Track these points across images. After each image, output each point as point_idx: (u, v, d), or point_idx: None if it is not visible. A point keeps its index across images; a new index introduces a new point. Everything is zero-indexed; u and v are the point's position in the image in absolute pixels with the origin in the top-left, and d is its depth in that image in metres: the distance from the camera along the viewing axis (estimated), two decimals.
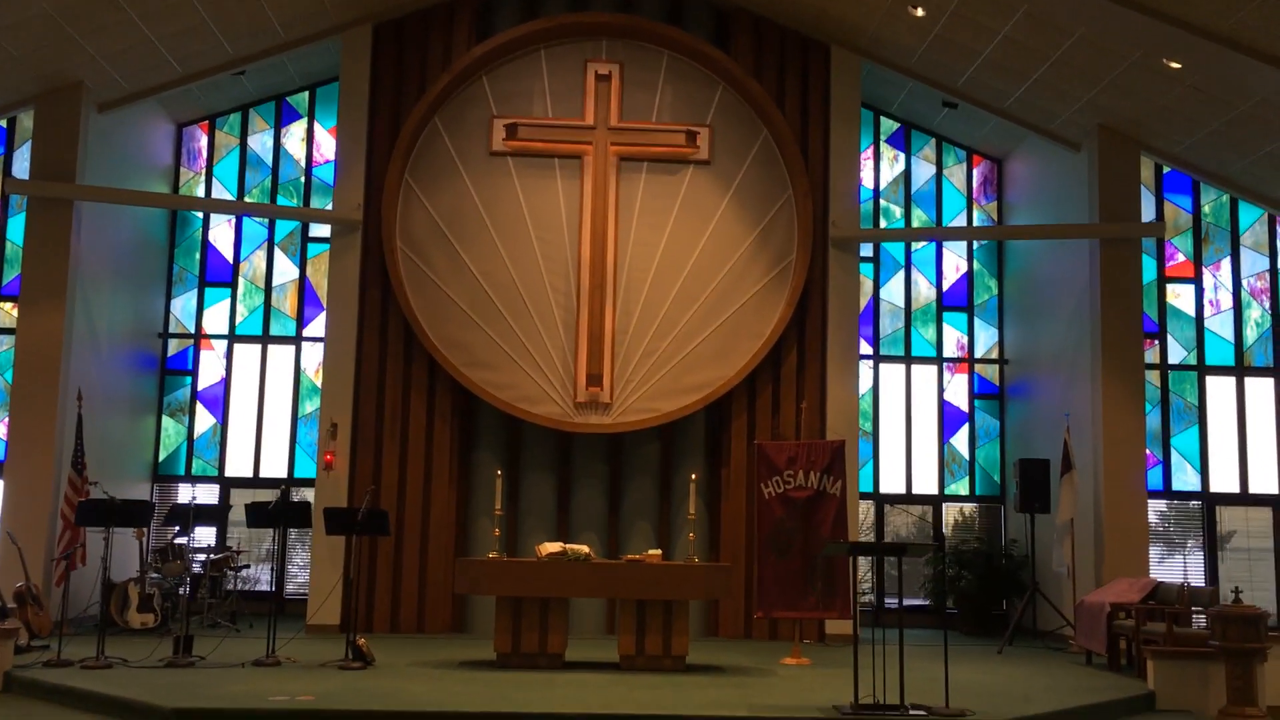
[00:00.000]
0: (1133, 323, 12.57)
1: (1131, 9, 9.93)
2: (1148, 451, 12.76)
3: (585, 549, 10.08)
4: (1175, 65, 10.91)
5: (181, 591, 11.79)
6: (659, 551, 10.21)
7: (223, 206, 14.44)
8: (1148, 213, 13.29)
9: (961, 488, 14.85)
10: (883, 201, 15.18)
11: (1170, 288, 13.75)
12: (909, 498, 14.75)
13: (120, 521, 9.36)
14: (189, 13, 11.71)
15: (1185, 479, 13.57)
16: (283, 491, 10.02)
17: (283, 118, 14.97)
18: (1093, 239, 12.76)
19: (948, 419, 14.94)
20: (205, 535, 13.82)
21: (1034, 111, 13.03)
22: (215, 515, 11.91)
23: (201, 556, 12.51)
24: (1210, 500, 13.52)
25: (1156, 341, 13.58)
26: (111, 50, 11.86)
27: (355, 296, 12.92)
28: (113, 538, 11.67)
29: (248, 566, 13.11)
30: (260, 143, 14.97)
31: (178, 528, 12.33)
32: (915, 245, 15.12)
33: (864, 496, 14.06)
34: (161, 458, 14.43)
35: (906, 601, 14.27)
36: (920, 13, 11.92)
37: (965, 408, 14.97)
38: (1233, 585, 8.74)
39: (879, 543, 12.62)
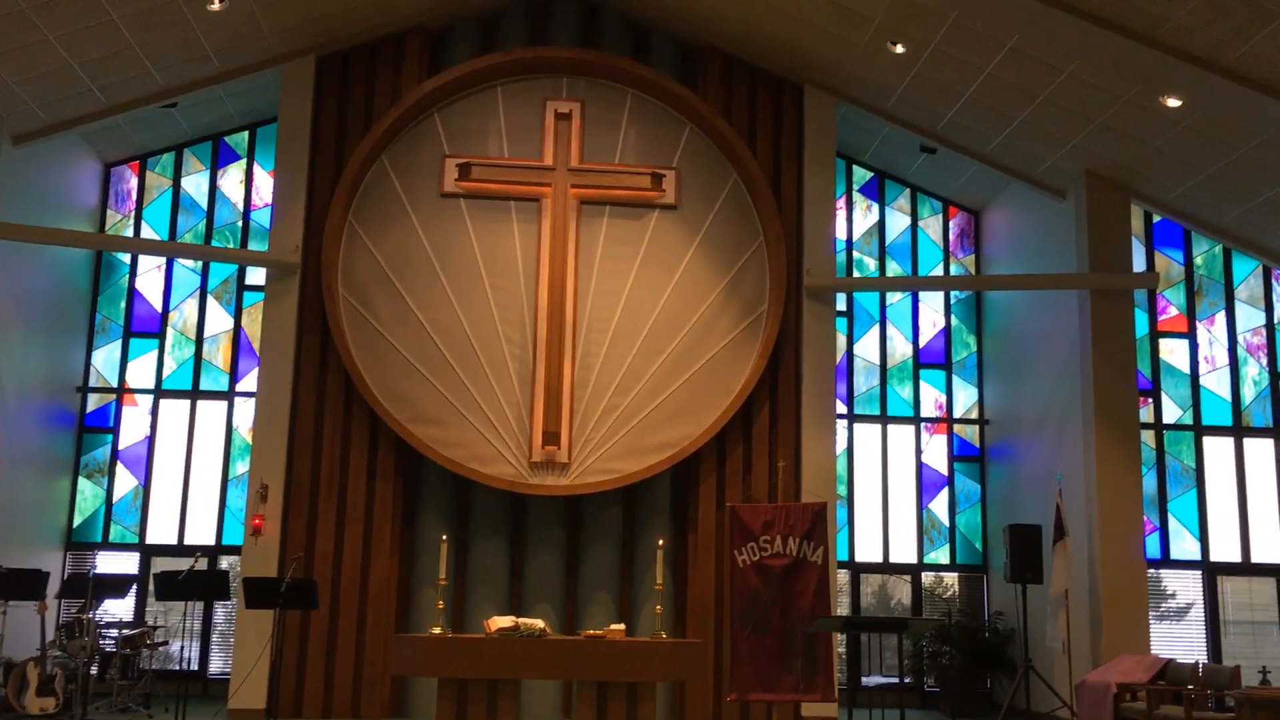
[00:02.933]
0: (1127, 379, 11.82)
1: (1131, 40, 9.25)
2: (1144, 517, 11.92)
3: (540, 624, 9.00)
4: (1173, 103, 10.28)
5: (90, 672, 10.56)
6: (622, 626, 9.15)
7: (147, 246, 13.41)
8: (1137, 264, 12.60)
9: (941, 556, 13.95)
10: (856, 254, 14.45)
11: (1163, 343, 13.04)
12: (886, 566, 13.82)
13: (7, 593, 8.15)
14: (111, 36, 10.77)
15: (1184, 547, 12.74)
16: (195, 559, 8.82)
17: (219, 158, 14.04)
18: (1082, 290, 12.05)
19: (926, 482, 14.10)
20: (124, 609, 12.64)
21: (1018, 156, 12.37)
22: (118, 586, 10.68)
23: (116, 633, 11.31)
24: (1211, 569, 12.69)
25: (1149, 400, 12.83)
26: (26, 75, 10.87)
27: (291, 345, 11.90)
28: (10, 612, 10.63)
29: (165, 643, 11.86)
30: (195, 185, 14.01)
31: (94, 600, 11.08)
32: (890, 300, 14.37)
33: (840, 565, 13.11)
34: (76, 523, 13.21)
35: (880, 679, 13.28)
36: (900, 49, 11.26)
37: (944, 470, 14.14)
38: (1234, 662, 7.97)
39: (880, 618, 11.53)
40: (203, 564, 10.87)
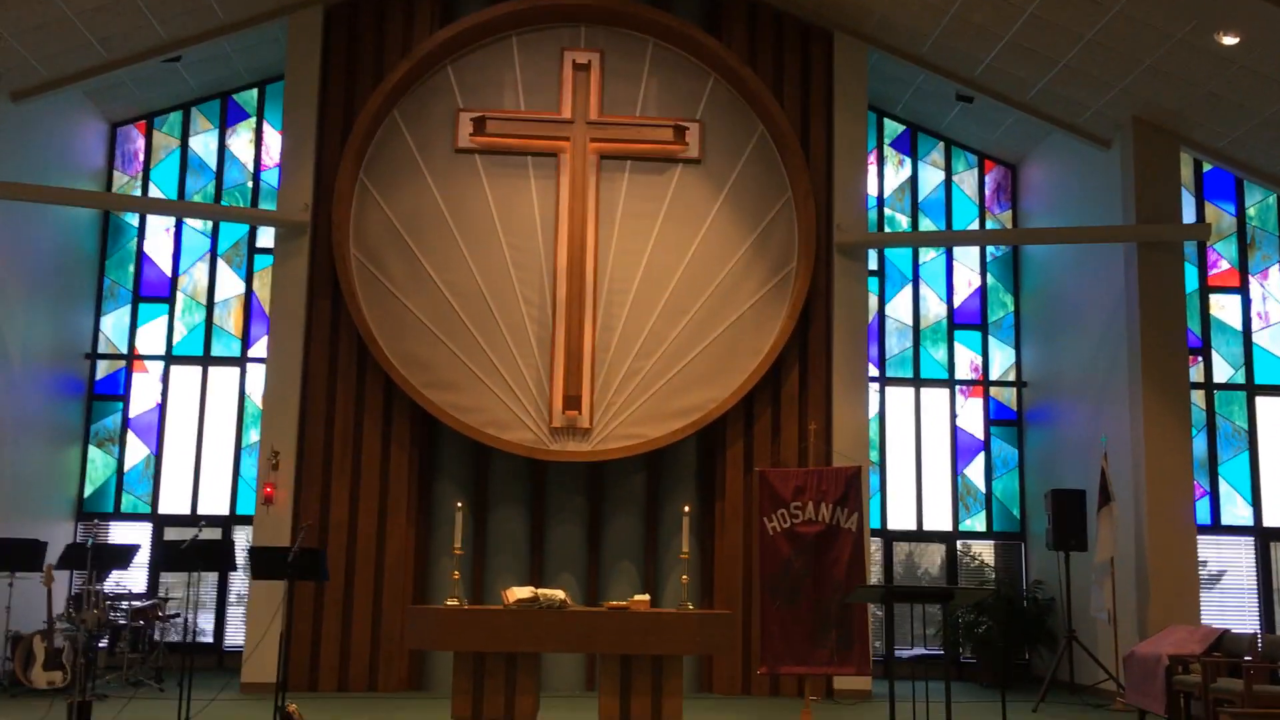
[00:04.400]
0: (1176, 337, 11.22)
1: None
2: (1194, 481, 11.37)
3: (560, 594, 8.56)
4: (1229, 41, 9.65)
5: (99, 645, 10.25)
6: (646, 597, 8.68)
7: (151, 206, 12.97)
8: (1187, 216, 11.97)
9: (978, 523, 13.45)
10: (887, 210, 13.89)
11: (1214, 298, 12.41)
12: (920, 534, 13.33)
13: (3, 564, 7.79)
14: None
15: (1235, 512, 12.17)
16: (200, 528, 8.43)
17: (228, 117, 13.62)
18: (1128, 245, 11.44)
19: (961, 448, 13.59)
20: (137, 580, 12.33)
21: (1060, 104, 11.74)
22: (120, 557, 10.31)
23: (126, 605, 10.99)
24: (1265, 535, 12.11)
25: (1199, 358, 12.23)
26: (22, 27, 10.42)
27: (302, 308, 11.47)
28: (17, 584, 10.30)
29: (177, 615, 11.53)
30: (203, 144, 13.59)
31: (95, 571, 10.74)
32: (924, 258, 13.81)
33: (871, 533, 12.62)
34: (87, 493, 12.89)
35: (913, 651, 12.82)
36: None
37: (980, 435, 13.61)
38: None
39: (924, 587, 11.01)
40: (211, 533, 10.45)
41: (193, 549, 8.15)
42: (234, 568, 8.92)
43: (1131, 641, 10.66)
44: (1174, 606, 10.70)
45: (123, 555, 10.32)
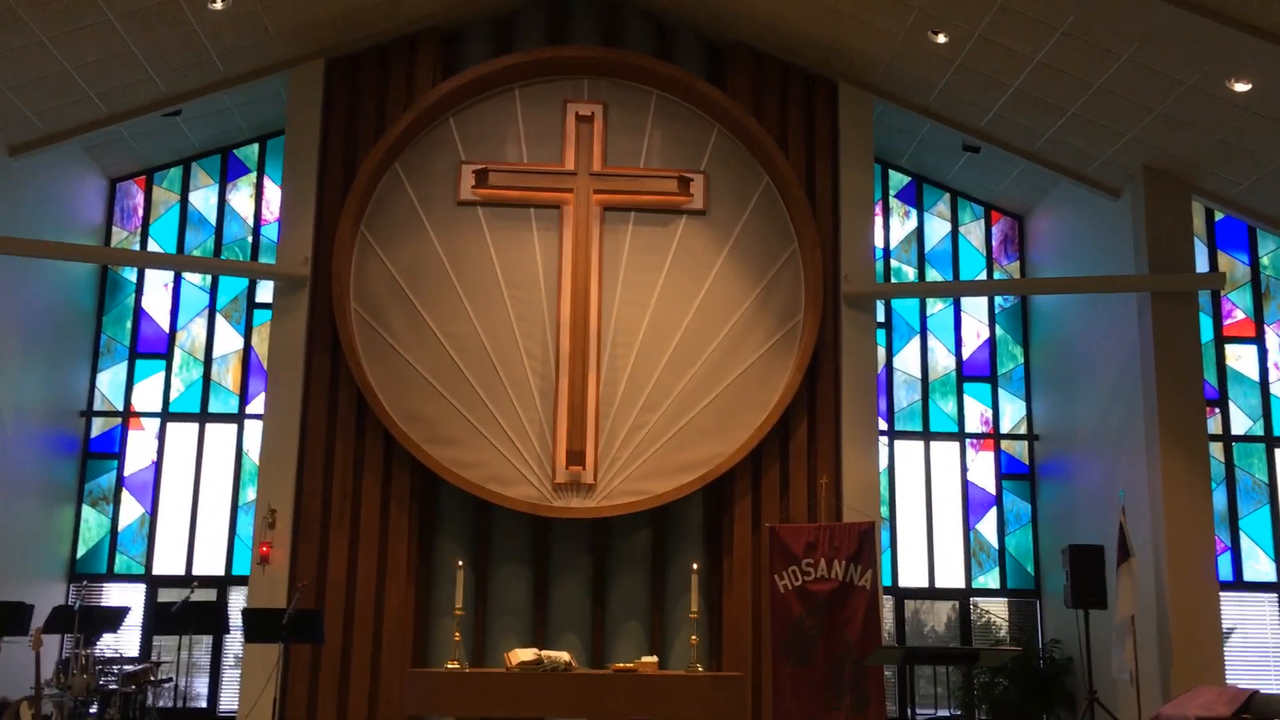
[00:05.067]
0: (1193, 387, 11.01)
1: (1197, 14, 8.53)
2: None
3: (565, 656, 8.30)
4: (1241, 88, 9.56)
5: (89, 711, 9.88)
6: (654, 659, 8.44)
7: (149, 260, 12.82)
8: (1200, 266, 11.80)
9: (991, 580, 13.12)
10: (894, 262, 13.73)
11: (1229, 348, 12.22)
12: (932, 591, 13.00)
13: None
14: (108, 38, 10.23)
15: (1257, 567, 11.86)
16: (191, 589, 8.16)
17: (229, 172, 13.48)
18: (1141, 295, 11.27)
19: (972, 502, 13.29)
20: (130, 643, 12.00)
21: (1069, 153, 11.63)
22: (109, 619, 10.01)
23: (124, 669, 10.66)
24: None
25: (1217, 410, 12.00)
26: (19, 80, 10.34)
27: (300, 363, 11.29)
28: (5, 648, 9.99)
29: (169, 680, 11.18)
30: (203, 199, 13.45)
31: (82, 634, 10.43)
32: (931, 310, 13.63)
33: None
34: (80, 554, 12.58)
35: (927, 713, 12.43)
36: (942, 39, 10.58)
37: (992, 489, 13.33)
38: None
39: (949, 648, 10.61)
40: (205, 594, 10.15)
41: (184, 611, 7.87)
42: (227, 630, 8.64)
43: (1155, 702, 10.32)
44: (1198, 665, 10.39)
45: (112, 618, 10.02)
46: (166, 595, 11.99)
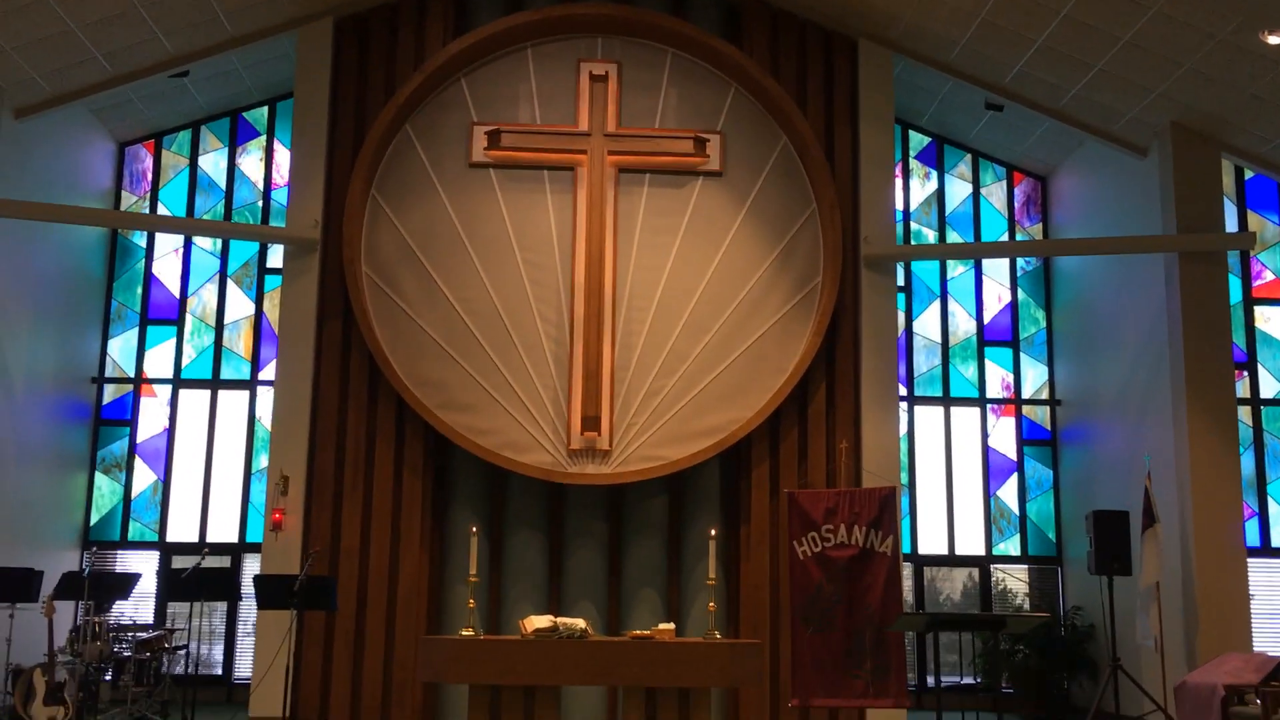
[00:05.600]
0: (1221, 350, 10.78)
1: None
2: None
3: (581, 623, 8.15)
4: (1275, 40, 9.25)
5: (105, 678, 9.83)
6: (671, 626, 8.27)
7: (158, 223, 12.69)
8: (1229, 226, 11.53)
9: (1011, 547, 12.96)
10: (914, 225, 13.48)
11: (1258, 310, 11.95)
12: (951, 559, 12.84)
13: None
14: None
15: None
16: (202, 555, 8.05)
17: (238, 135, 13.32)
18: (1169, 256, 11.01)
19: (993, 468, 13.12)
20: (145, 610, 11.96)
21: (1095, 110, 11.34)
22: (118, 586, 9.93)
23: (138, 636, 10.60)
24: None
25: (1245, 373, 11.75)
26: (23, 40, 10.15)
27: (311, 328, 11.13)
28: (18, 615, 9.94)
29: (184, 647, 11.11)
30: (212, 163, 13.30)
31: (92, 601, 10.36)
32: (952, 273, 13.39)
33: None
34: (93, 521, 12.54)
35: (947, 680, 12.31)
36: None
37: (1013, 455, 13.15)
38: None
39: (974, 615, 10.42)
40: (218, 561, 10.06)
41: (195, 578, 7.76)
42: (239, 597, 8.53)
43: (1179, 670, 10.16)
44: (1225, 633, 10.21)
45: (122, 584, 9.94)
46: (180, 562, 11.92)
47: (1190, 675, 9.38)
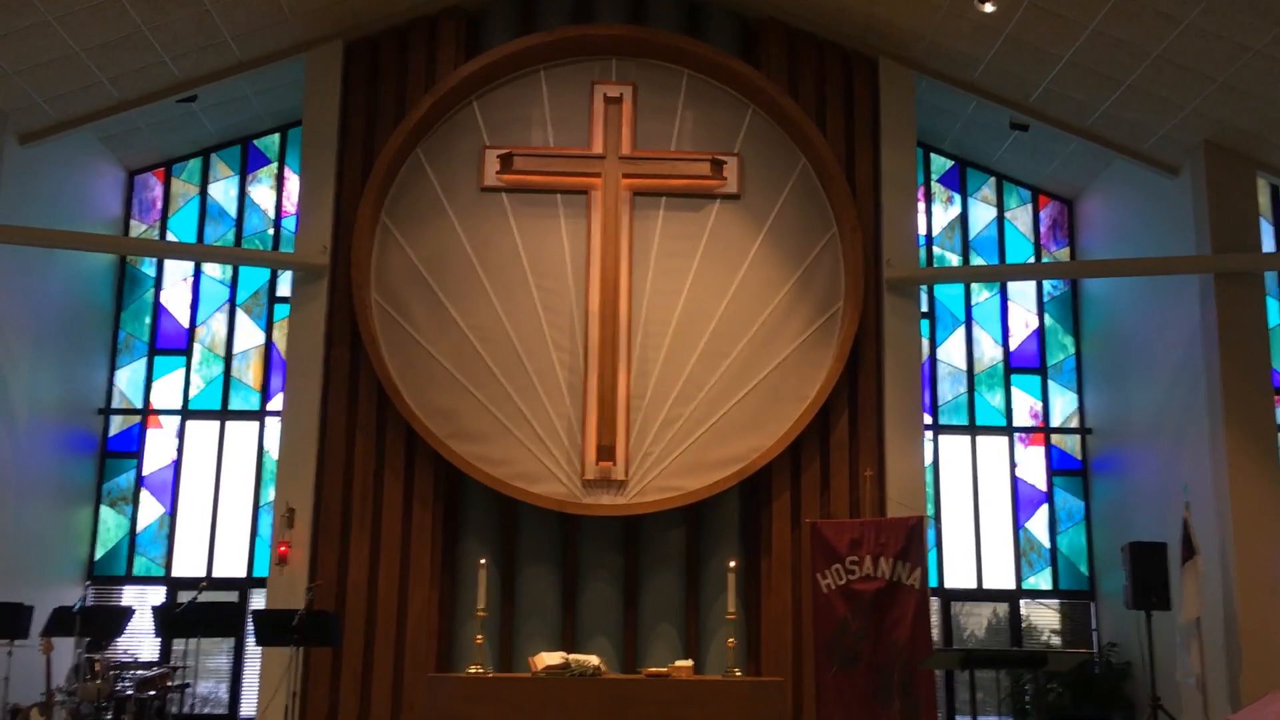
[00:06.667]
0: (1261, 375, 10.39)
1: None
2: None
3: (594, 660, 7.82)
4: None
5: (104, 718, 9.50)
6: (689, 663, 7.95)
7: (166, 250, 12.47)
8: (1266, 246, 11.16)
9: (1043, 580, 12.51)
10: (937, 249, 13.16)
11: None
12: (980, 593, 12.40)
13: None
14: (118, 18, 9.86)
15: None
16: (200, 589, 7.75)
17: (249, 163, 13.12)
18: (1204, 278, 10.65)
19: (1022, 499, 12.69)
20: (149, 647, 11.64)
21: (1124, 129, 11.02)
22: (113, 621, 9.62)
23: (138, 674, 10.28)
24: None
25: None
26: (26, 64, 9.99)
27: (319, 356, 10.90)
28: (16, 653, 9.65)
29: (188, 685, 10.78)
30: (223, 191, 13.09)
31: (102, 638, 10.05)
32: (976, 299, 13.04)
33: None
34: (99, 555, 12.25)
35: None
36: (989, 7, 10.02)
37: (1042, 486, 12.73)
38: None
39: (1013, 651, 9.98)
40: (221, 595, 9.75)
41: (192, 613, 7.45)
42: (238, 633, 8.21)
43: (1222, 709, 9.71)
44: (1270, 670, 9.76)
45: (116, 620, 9.62)
46: (186, 597, 11.63)
47: (1235, 716, 8.92)
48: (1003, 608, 12.37)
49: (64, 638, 9.66)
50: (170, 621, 7.69)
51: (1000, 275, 12.79)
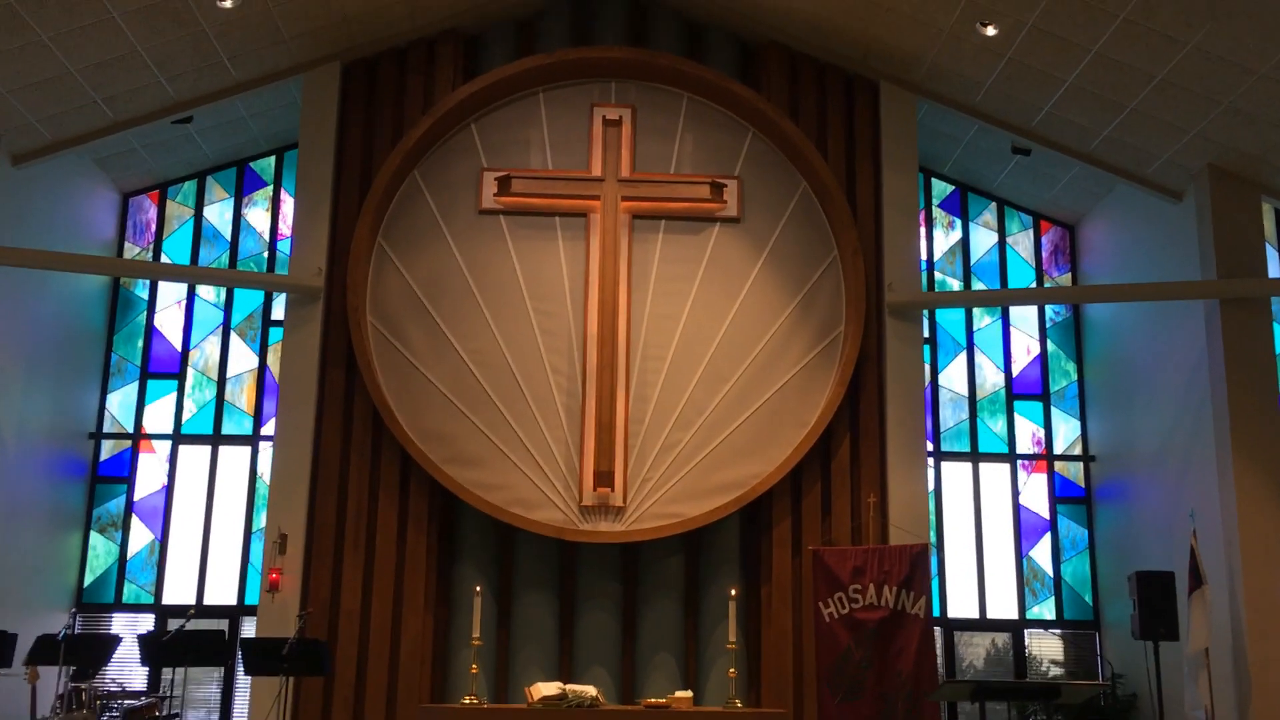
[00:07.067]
0: (1267, 401, 10.26)
1: None
2: None
3: (592, 691, 7.65)
4: None
5: None
6: (689, 693, 7.79)
7: (158, 271, 12.35)
8: (1271, 271, 11.08)
9: (1046, 610, 12.33)
10: (938, 275, 13.06)
11: None
12: (983, 623, 12.22)
13: None
14: (113, 38, 9.76)
15: None
16: (188, 616, 7.56)
17: (244, 186, 13.02)
18: (1208, 302, 10.53)
19: (1025, 527, 12.52)
20: (139, 676, 11.43)
21: (1127, 153, 10.95)
22: (98, 649, 9.41)
23: (127, 702, 10.07)
24: None
25: None
26: (19, 84, 9.89)
27: (314, 379, 10.74)
28: (2, 682, 9.45)
29: (177, 716, 10.57)
30: (218, 214, 12.98)
31: (89, 667, 9.84)
32: (978, 324, 12.93)
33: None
34: (87, 582, 12.04)
35: None
36: (991, 31, 9.96)
37: (1045, 514, 12.57)
38: None
39: (1026, 682, 9.76)
40: (211, 623, 9.54)
41: (179, 641, 7.26)
42: (225, 661, 8.02)
43: None
44: (1279, 701, 9.56)
45: (102, 648, 9.41)
46: (176, 626, 11.43)
47: None
48: (1002, 637, 12.19)
49: (52, 666, 9.48)
50: (156, 650, 7.48)
51: (1004, 300, 12.68)
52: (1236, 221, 10.56)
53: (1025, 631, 12.17)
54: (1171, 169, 10.84)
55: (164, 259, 12.78)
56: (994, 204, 13.23)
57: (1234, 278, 10.41)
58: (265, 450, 12.22)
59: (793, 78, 11.58)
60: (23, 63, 9.65)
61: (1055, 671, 12.07)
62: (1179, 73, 9.61)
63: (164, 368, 12.60)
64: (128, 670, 11.16)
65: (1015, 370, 12.91)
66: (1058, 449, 12.71)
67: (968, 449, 12.66)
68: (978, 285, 13.02)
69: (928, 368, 12.53)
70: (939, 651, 11.94)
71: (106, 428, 12.38)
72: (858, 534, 10.25)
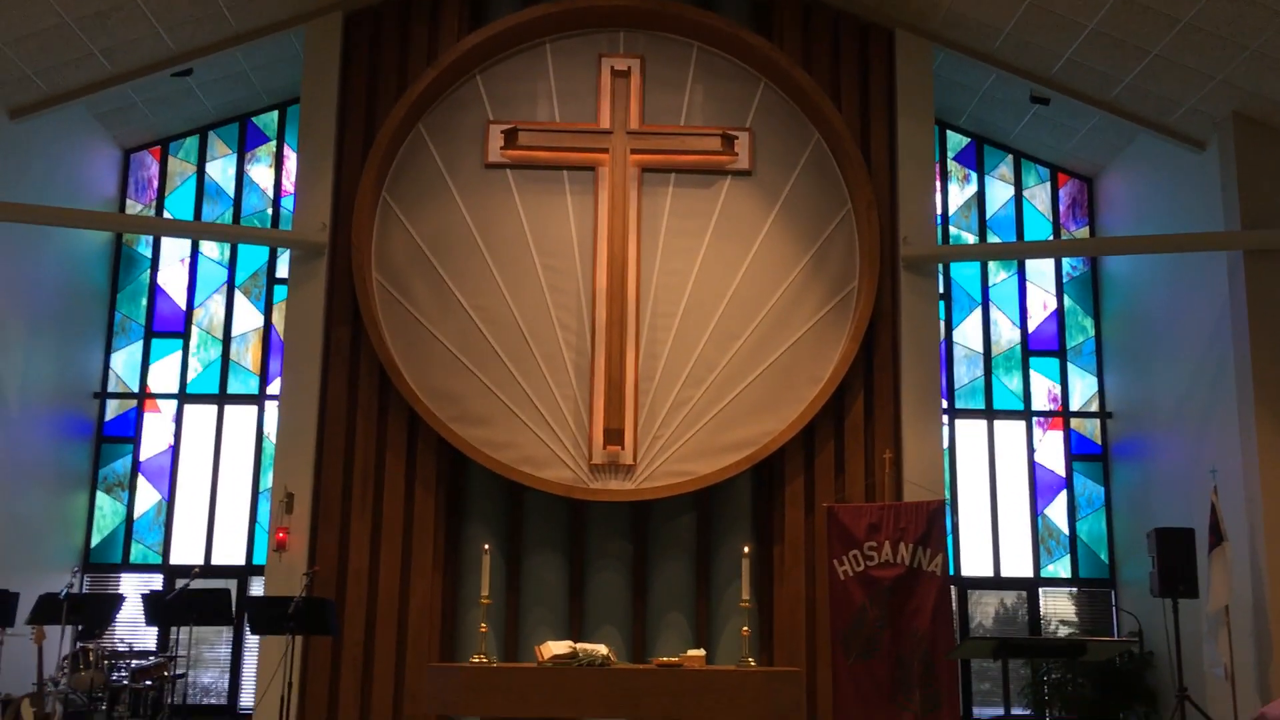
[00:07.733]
0: None
1: None
2: None
3: (603, 650, 7.52)
4: None
5: (100, 707, 9.23)
6: (701, 652, 7.63)
7: (160, 227, 12.14)
8: None
9: (1061, 568, 12.18)
10: (953, 229, 12.81)
11: None
12: (998, 580, 12.08)
13: None
14: None
15: None
16: (192, 575, 7.45)
17: (247, 141, 12.79)
18: (1232, 255, 10.29)
19: (1040, 485, 12.35)
20: (149, 636, 11.36)
21: (1149, 101, 10.66)
22: (101, 609, 9.32)
23: (134, 663, 9.99)
24: None
25: None
26: (15, 35, 9.67)
27: (319, 337, 10.59)
28: (8, 641, 9.37)
29: (184, 675, 10.50)
30: (220, 170, 12.77)
31: (93, 627, 9.76)
32: (993, 280, 12.70)
33: None
34: (94, 542, 11.95)
35: (990, 712, 11.52)
36: None
37: (1061, 471, 12.39)
38: None
39: (1051, 639, 9.61)
40: (218, 582, 9.45)
41: (183, 600, 7.15)
42: (230, 620, 7.92)
43: (1251, 701, 9.39)
44: None
45: (105, 608, 9.32)
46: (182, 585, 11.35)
47: (1267, 708, 8.56)
48: (1010, 596, 12.05)
49: (58, 626, 9.40)
50: (161, 609, 7.38)
51: (1023, 252, 12.44)
52: (1263, 170, 10.27)
53: (1039, 590, 12.04)
54: (1195, 117, 10.55)
55: (166, 215, 12.59)
56: (1010, 156, 12.94)
57: (1259, 228, 10.15)
58: (271, 409, 12.08)
59: (805, 26, 11.31)
60: (18, 12, 9.42)
61: (1064, 631, 11.94)
62: (1204, 16, 9.31)
63: (168, 326, 12.45)
64: (138, 630, 11.12)
65: (1031, 326, 12.69)
66: (1074, 406, 12.51)
67: (982, 406, 12.47)
68: (994, 239, 12.78)
69: (942, 324, 12.32)
70: (955, 610, 11.85)
71: (111, 387, 12.25)
72: (871, 492, 10.10)
